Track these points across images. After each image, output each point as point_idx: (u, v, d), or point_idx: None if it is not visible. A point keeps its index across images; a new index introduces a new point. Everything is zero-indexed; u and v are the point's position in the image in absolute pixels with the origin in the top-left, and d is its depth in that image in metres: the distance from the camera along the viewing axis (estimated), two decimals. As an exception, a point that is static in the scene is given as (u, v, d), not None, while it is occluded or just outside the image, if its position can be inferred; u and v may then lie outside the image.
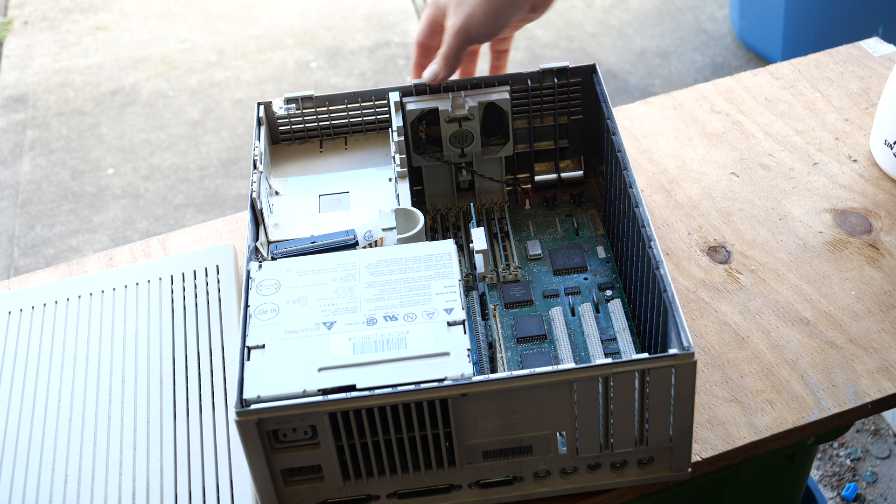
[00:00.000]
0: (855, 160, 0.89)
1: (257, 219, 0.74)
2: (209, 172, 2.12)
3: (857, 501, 1.42)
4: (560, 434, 0.63)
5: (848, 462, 1.46)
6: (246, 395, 0.59)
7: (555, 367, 0.59)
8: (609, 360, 0.60)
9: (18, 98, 2.38)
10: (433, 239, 0.82)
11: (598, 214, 0.84)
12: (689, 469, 0.66)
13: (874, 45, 1.02)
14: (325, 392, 0.59)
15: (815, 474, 1.46)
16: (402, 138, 0.78)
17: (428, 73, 0.79)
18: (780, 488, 0.86)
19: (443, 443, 0.62)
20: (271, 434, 0.60)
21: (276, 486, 0.62)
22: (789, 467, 0.81)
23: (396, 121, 0.79)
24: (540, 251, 0.80)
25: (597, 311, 0.75)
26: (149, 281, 0.82)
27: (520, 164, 0.86)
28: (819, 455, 1.48)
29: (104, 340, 0.78)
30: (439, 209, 0.85)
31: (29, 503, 0.69)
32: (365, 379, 0.60)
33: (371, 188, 0.80)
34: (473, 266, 0.78)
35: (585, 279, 0.78)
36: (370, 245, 0.73)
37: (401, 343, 0.62)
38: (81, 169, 2.15)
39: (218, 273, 0.82)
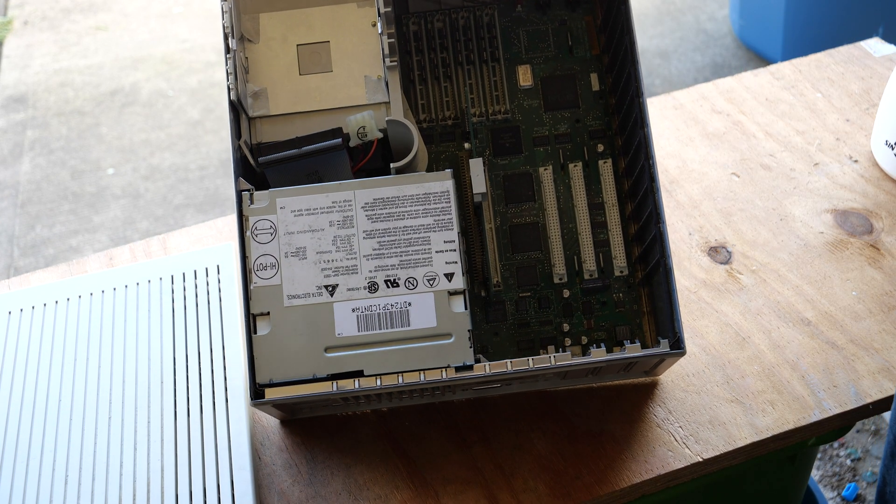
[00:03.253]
0: (856, 161, 0.89)
1: (238, 114, 0.69)
2: (209, 172, 2.12)
3: (858, 501, 1.42)
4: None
5: (848, 462, 1.46)
6: (258, 380, 0.62)
7: (551, 364, 0.62)
8: (602, 357, 0.63)
9: (18, 98, 2.38)
10: (418, 53, 0.76)
11: (594, 23, 0.77)
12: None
13: (875, 46, 1.02)
14: (334, 377, 0.62)
15: (815, 474, 1.46)
16: (390, 8, 0.69)
17: None
18: (780, 489, 0.86)
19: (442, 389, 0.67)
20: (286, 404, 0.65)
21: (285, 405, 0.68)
22: (790, 468, 0.81)
23: (383, 2, 0.70)
24: (531, 81, 0.76)
25: (587, 167, 0.73)
26: (149, 281, 0.82)
27: None
28: (819, 455, 1.48)
29: (104, 340, 0.78)
30: (423, 13, 0.77)
31: (29, 503, 0.69)
32: (372, 364, 0.62)
33: (353, 37, 0.73)
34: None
35: (577, 123, 0.75)
36: (363, 146, 0.70)
37: (403, 319, 0.64)
38: (81, 169, 2.15)
39: (218, 273, 0.82)
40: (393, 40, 0.68)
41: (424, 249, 0.65)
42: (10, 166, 2.18)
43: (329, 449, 0.71)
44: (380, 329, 0.63)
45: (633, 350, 0.63)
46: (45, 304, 0.82)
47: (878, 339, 0.74)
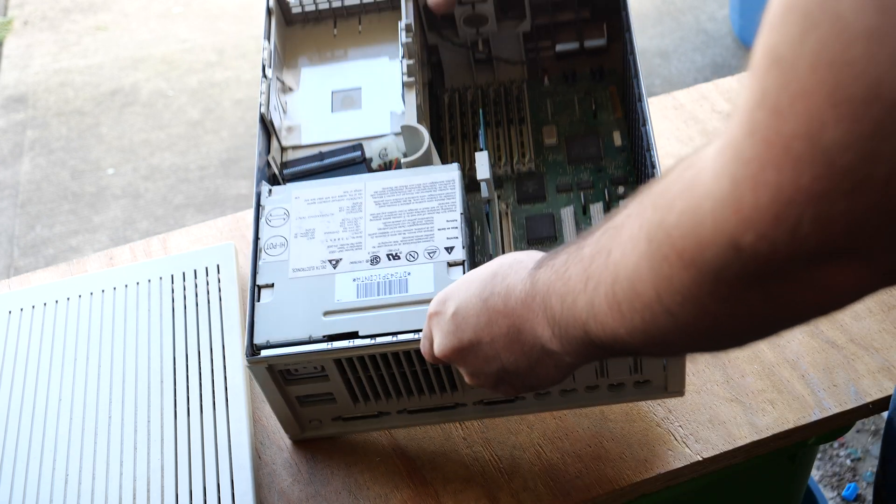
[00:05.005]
0: (856, 160, 0.89)
1: (268, 131, 0.74)
2: (209, 172, 2.11)
3: (857, 501, 1.41)
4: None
5: (848, 462, 1.46)
6: (256, 341, 0.62)
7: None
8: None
9: (18, 98, 2.38)
10: (450, 120, 0.81)
11: (617, 92, 0.81)
12: (684, 391, 0.68)
13: (875, 45, 1.02)
14: (329, 338, 0.62)
15: (815, 474, 1.46)
16: (410, 40, 0.74)
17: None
18: (780, 488, 0.86)
19: (443, 372, 0.65)
20: (283, 371, 0.64)
21: (292, 410, 0.67)
22: (790, 467, 0.81)
23: (407, 14, 0.75)
24: (556, 139, 0.78)
25: (607, 208, 0.74)
26: (149, 281, 0.82)
27: (539, 36, 0.82)
28: (819, 455, 1.48)
29: (104, 340, 0.78)
30: (457, 88, 0.83)
31: (29, 503, 0.69)
32: (367, 326, 0.62)
33: (384, 83, 0.78)
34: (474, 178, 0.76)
35: (599, 172, 0.77)
36: (384, 165, 0.73)
37: (402, 286, 0.64)
38: (81, 169, 2.15)
39: (218, 273, 0.82)
40: (411, 62, 0.73)
41: (427, 227, 0.67)
42: (10, 166, 2.18)
43: (329, 448, 0.71)
44: (378, 295, 0.64)
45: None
46: (45, 304, 0.82)
47: (878, 338, 0.74)
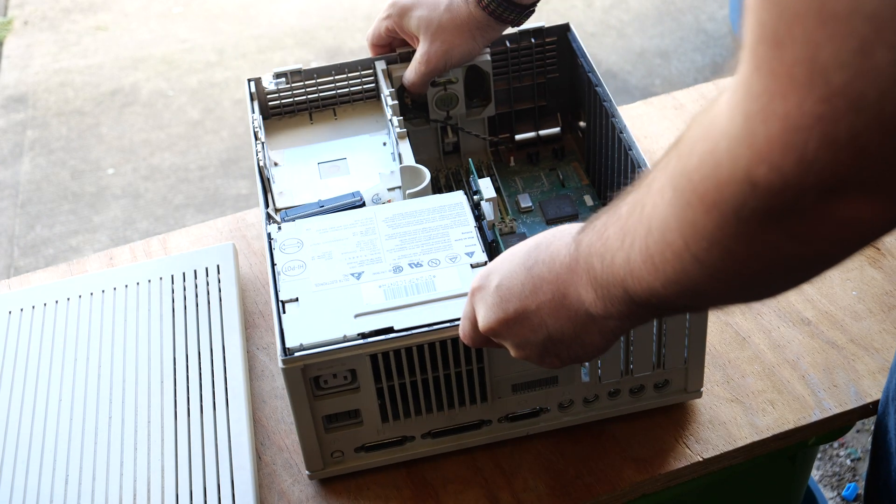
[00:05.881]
0: (856, 160, 0.89)
1: (265, 186, 0.76)
2: (209, 172, 2.11)
3: (857, 501, 1.41)
4: (583, 364, 0.66)
5: (848, 462, 1.46)
6: (288, 344, 0.62)
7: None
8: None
9: (18, 98, 2.38)
10: None
11: (580, 167, 0.86)
12: (702, 390, 0.69)
13: (875, 45, 1.02)
14: (364, 336, 0.62)
15: (815, 474, 1.46)
16: (397, 102, 0.80)
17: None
18: (780, 488, 0.86)
19: (475, 377, 0.65)
20: (313, 381, 0.63)
21: (317, 434, 0.66)
22: (790, 467, 0.81)
23: (387, 87, 0.81)
24: (531, 203, 0.83)
25: None
26: (149, 281, 0.82)
27: (500, 125, 0.88)
28: (819, 455, 1.48)
29: (104, 340, 0.78)
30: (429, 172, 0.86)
31: (29, 503, 0.69)
32: (401, 321, 0.63)
33: (367, 153, 0.82)
34: (477, 217, 0.78)
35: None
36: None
37: (429, 286, 0.65)
38: (81, 169, 2.15)
39: (218, 273, 0.82)
40: (400, 118, 0.79)
41: (444, 240, 0.68)
42: (10, 166, 2.18)
43: (329, 449, 0.71)
44: (407, 296, 0.64)
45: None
46: (45, 304, 0.82)
47: (878, 338, 0.74)
